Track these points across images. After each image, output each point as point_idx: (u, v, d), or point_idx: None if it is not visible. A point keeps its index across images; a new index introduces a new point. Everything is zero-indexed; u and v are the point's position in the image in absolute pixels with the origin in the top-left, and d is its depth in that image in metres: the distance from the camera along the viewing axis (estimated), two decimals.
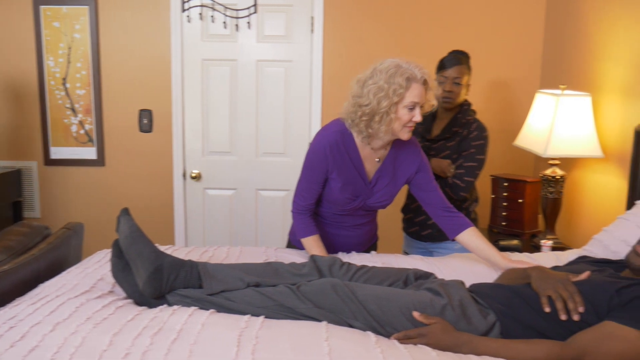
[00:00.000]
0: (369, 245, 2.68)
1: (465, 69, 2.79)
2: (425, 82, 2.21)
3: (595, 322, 1.71)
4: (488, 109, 3.89)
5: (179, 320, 1.71)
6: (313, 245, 2.40)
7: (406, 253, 3.13)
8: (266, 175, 3.97)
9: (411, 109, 2.19)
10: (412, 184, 2.45)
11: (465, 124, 2.82)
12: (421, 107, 2.22)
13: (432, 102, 2.29)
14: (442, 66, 2.81)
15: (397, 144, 2.40)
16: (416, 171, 2.42)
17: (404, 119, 2.20)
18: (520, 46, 3.86)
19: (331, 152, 2.32)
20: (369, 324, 1.75)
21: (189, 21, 3.80)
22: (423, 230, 2.94)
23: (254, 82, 3.88)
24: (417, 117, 2.21)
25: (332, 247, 2.52)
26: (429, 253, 2.97)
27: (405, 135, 2.25)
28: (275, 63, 3.87)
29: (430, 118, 2.90)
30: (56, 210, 4.00)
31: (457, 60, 2.78)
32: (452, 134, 2.83)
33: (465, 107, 2.86)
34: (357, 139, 2.34)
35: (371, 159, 2.38)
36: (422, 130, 2.89)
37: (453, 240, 2.43)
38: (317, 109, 3.87)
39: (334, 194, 2.39)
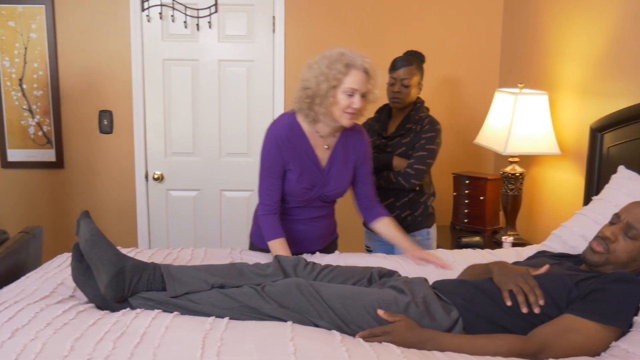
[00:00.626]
0: (329, 241, 2.70)
1: (414, 70, 2.85)
2: (366, 71, 2.28)
3: (556, 314, 1.74)
4: (449, 107, 3.94)
5: (142, 323, 1.69)
6: (279, 248, 2.40)
7: (368, 248, 3.15)
8: (230, 175, 3.95)
9: (350, 95, 2.26)
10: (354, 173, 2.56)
11: (418, 120, 2.90)
12: (363, 95, 2.30)
13: (376, 92, 2.35)
14: (392, 67, 2.88)
15: (345, 133, 2.47)
16: (363, 157, 2.53)
17: (343, 104, 2.27)
18: (479, 46, 3.92)
19: (283, 144, 2.39)
20: (334, 323, 1.75)
21: (148, 21, 3.76)
22: None
23: (216, 82, 3.86)
24: (356, 103, 2.27)
25: (291, 243, 2.52)
26: (390, 246, 3.00)
27: (345, 121, 2.32)
28: (237, 63, 3.85)
29: (386, 116, 2.98)
30: (14, 214, 3.90)
31: (407, 61, 2.85)
32: (407, 131, 2.89)
33: (418, 104, 2.93)
34: (305, 128, 2.41)
35: (321, 147, 2.45)
36: (378, 128, 2.96)
37: (368, 227, 2.66)
38: (279, 109, 3.86)
39: (292, 184, 2.42)
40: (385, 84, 2.88)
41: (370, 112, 2.78)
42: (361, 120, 2.91)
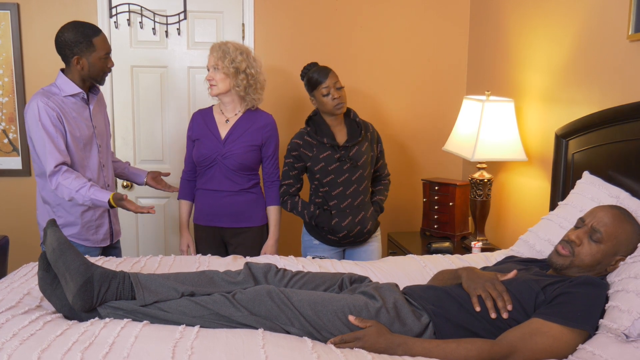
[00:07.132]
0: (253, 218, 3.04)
1: (334, 73, 2.90)
2: (217, 50, 2.95)
3: (524, 319, 1.77)
4: (418, 115, 3.98)
5: (110, 333, 1.67)
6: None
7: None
8: None
9: (208, 70, 3.01)
10: (261, 150, 3.02)
11: (364, 124, 3.01)
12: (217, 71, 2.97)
13: (230, 65, 2.92)
14: (316, 81, 2.88)
15: (249, 114, 3.04)
16: (268, 138, 3.00)
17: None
18: (447, 54, 3.96)
19: (197, 122, 3.06)
20: (305, 330, 1.76)
21: (116, 27, 3.72)
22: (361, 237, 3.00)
23: (186, 88, 3.84)
24: (210, 76, 3.00)
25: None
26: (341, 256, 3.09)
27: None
28: (206, 70, 3.82)
29: (326, 126, 2.94)
30: None
31: (324, 69, 2.90)
32: (363, 138, 2.96)
33: (351, 111, 3.03)
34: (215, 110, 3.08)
35: (222, 122, 3.03)
36: (327, 139, 2.91)
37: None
38: None
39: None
40: (322, 98, 2.88)
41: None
42: (292, 133, 3.06)
